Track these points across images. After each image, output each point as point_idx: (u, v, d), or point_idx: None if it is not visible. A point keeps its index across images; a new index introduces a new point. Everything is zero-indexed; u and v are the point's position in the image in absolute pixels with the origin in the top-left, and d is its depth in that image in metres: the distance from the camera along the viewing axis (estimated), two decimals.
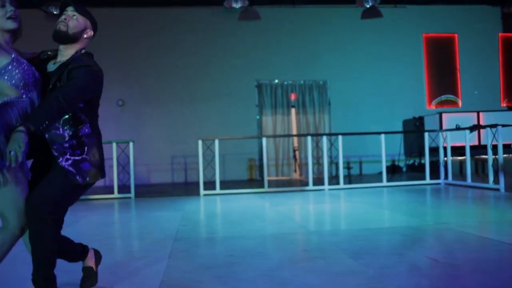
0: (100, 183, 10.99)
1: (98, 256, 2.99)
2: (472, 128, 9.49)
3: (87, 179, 2.62)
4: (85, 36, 2.85)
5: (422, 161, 13.29)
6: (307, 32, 14.43)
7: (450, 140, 9.73)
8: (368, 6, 13.00)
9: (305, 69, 14.25)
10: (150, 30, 13.89)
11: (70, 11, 2.76)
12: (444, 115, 12.87)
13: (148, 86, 13.58)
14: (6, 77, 2.50)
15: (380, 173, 14.09)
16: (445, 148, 9.85)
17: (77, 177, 2.57)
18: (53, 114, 2.45)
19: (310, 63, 14.31)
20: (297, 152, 14.48)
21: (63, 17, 2.74)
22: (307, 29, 14.44)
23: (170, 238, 4.46)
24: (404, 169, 14.49)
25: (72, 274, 3.04)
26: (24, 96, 2.53)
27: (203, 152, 9.26)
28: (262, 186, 9.62)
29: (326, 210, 6.60)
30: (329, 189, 9.26)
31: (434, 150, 11.45)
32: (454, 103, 14.94)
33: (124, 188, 9.54)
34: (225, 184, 9.37)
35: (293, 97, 14.26)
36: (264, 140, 9.76)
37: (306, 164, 14.11)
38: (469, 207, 6.38)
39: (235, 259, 3.54)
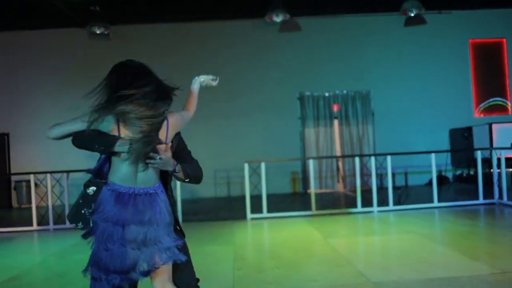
0: None
1: None
2: None
3: None
4: None
5: (471, 172, 12.91)
6: (348, 42, 14.21)
7: (503, 154, 9.33)
8: (412, 15, 12.67)
9: (348, 80, 14.04)
10: (191, 44, 13.94)
11: None
12: (494, 126, 12.43)
13: None
14: None
15: (427, 184, 13.86)
16: (498, 160, 9.36)
17: None
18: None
19: (352, 73, 14.09)
20: (340, 163, 14.28)
21: None
22: (348, 39, 14.23)
23: None
24: (451, 179, 14.10)
25: None
26: None
27: (249, 176, 9.20)
28: (307, 203, 9.47)
29: (382, 246, 6.44)
30: (378, 211, 9.07)
31: (485, 161, 11.05)
32: (503, 108, 14.46)
33: None
34: (269, 199, 9.24)
35: (335, 108, 14.08)
36: (311, 162, 9.61)
37: (351, 176, 13.98)
38: None
39: None
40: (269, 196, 9.38)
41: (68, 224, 8.77)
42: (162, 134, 2.69)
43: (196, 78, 3.19)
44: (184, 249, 2.77)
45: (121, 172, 2.61)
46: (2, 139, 13.82)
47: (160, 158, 2.58)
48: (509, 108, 14.49)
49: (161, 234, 2.60)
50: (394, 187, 9.47)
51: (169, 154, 2.70)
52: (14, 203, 13.60)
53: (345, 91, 14.04)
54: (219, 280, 4.89)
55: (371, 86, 14.10)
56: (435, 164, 9.49)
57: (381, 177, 12.91)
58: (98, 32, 12.51)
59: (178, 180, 2.86)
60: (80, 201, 2.69)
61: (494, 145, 11.59)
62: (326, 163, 13.88)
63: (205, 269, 5.47)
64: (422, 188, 13.26)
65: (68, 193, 9.23)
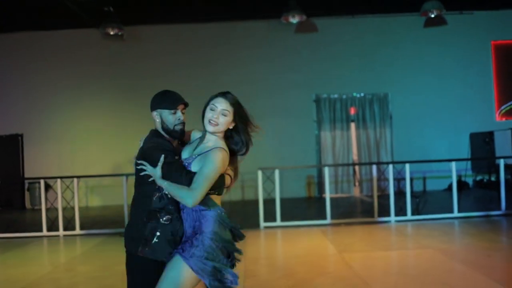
0: None
1: None
2: None
3: None
4: None
5: (492, 178, 12.54)
6: (366, 43, 13.90)
7: None
8: (432, 16, 12.32)
9: (365, 82, 13.73)
10: (204, 45, 13.75)
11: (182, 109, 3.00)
12: None
13: (203, 103, 13.38)
14: None
15: (446, 189, 13.50)
16: None
17: None
18: None
19: (370, 75, 13.77)
20: (356, 167, 13.98)
21: (180, 117, 2.95)
22: (366, 40, 13.91)
23: None
24: (471, 185, 13.72)
25: None
26: None
27: (263, 182, 8.97)
28: (322, 211, 9.20)
29: (399, 264, 6.17)
30: (396, 221, 8.78)
31: (507, 167, 10.68)
32: None
33: None
34: (283, 204, 8.99)
35: (352, 111, 13.78)
36: (326, 169, 9.35)
37: (367, 180, 13.69)
38: None
39: None
40: (283, 201, 9.14)
41: (78, 230, 8.64)
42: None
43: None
44: None
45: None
46: (16, 140, 13.78)
47: None
48: None
49: None
50: (412, 195, 9.13)
51: None
52: (28, 204, 13.55)
53: (362, 94, 13.74)
54: None
55: (389, 89, 13.78)
56: (455, 169, 9.16)
57: (398, 181, 12.60)
58: (112, 33, 12.39)
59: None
60: (158, 234, 2.77)
61: None
62: (342, 166, 13.58)
63: None
64: (441, 194, 12.93)
65: (78, 198, 9.11)
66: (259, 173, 8.84)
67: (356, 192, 13.87)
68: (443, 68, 13.91)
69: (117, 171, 12.80)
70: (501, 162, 9.13)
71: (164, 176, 2.68)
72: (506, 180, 9.98)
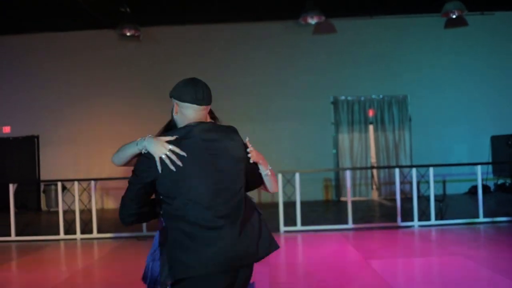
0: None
1: None
2: None
3: None
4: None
5: None
6: (385, 44, 13.68)
7: None
8: (454, 16, 12.08)
9: (384, 84, 13.51)
10: (219, 47, 13.61)
11: None
12: None
13: (218, 105, 13.21)
14: None
15: (466, 193, 13.25)
16: None
17: None
18: None
19: (389, 77, 13.55)
20: (374, 171, 13.75)
21: None
22: (385, 41, 13.70)
23: None
24: (493, 188, 13.44)
25: None
26: None
27: (283, 186, 8.81)
28: (341, 214, 9.03)
29: (427, 271, 5.96)
30: (419, 226, 8.56)
31: None
32: None
33: None
34: (301, 208, 8.78)
35: (371, 113, 13.56)
36: (347, 173, 9.15)
37: (385, 184, 13.47)
38: None
39: None
40: (301, 203, 8.94)
41: (95, 234, 8.53)
42: None
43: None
44: None
45: None
46: (32, 141, 13.73)
47: None
48: None
49: None
50: (435, 199, 8.91)
51: None
52: (43, 206, 13.49)
53: (381, 96, 13.52)
54: None
55: (408, 91, 13.55)
56: (475, 172, 8.94)
57: (418, 184, 12.35)
58: (128, 34, 12.29)
59: None
60: None
61: None
62: (360, 170, 13.36)
63: None
64: (461, 198, 12.68)
65: (95, 201, 8.99)
66: (280, 176, 8.64)
67: (374, 195, 13.64)
68: (463, 69, 13.65)
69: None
70: None
71: None
72: None
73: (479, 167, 8.92)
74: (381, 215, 10.36)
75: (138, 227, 8.70)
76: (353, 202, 11.70)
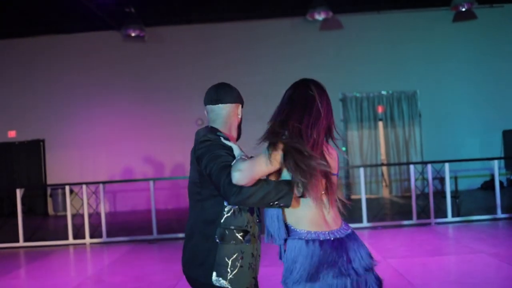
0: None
1: None
2: None
3: None
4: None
5: None
6: (393, 39, 13.46)
7: None
8: (463, 9, 11.90)
9: (393, 79, 13.29)
10: (226, 46, 13.41)
11: None
12: None
13: None
14: None
15: (479, 189, 13.03)
16: None
17: None
18: None
19: (397, 72, 13.33)
20: (384, 168, 13.52)
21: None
22: (393, 36, 13.48)
23: None
24: (505, 184, 13.21)
25: None
26: None
27: None
28: (354, 213, 8.82)
29: (453, 270, 5.76)
30: (436, 223, 8.35)
31: None
32: None
33: None
34: None
35: (380, 109, 13.34)
36: (361, 170, 8.95)
37: (396, 181, 13.26)
38: None
39: None
40: None
41: (105, 238, 8.36)
42: None
43: None
44: None
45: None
46: (38, 145, 13.57)
47: None
48: None
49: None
50: (451, 195, 8.70)
51: None
52: (50, 211, 13.33)
53: (390, 91, 13.29)
54: None
55: (418, 86, 13.31)
56: (487, 168, 8.72)
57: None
58: (133, 34, 12.16)
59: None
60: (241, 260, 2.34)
61: None
62: (371, 167, 13.14)
63: None
64: (474, 193, 12.46)
65: (104, 205, 8.82)
66: None
67: (385, 193, 13.42)
68: (473, 63, 13.41)
69: (139, 176, 12.58)
70: None
71: None
72: None
73: (496, 162, 8.72)
74: (395, 212, 10.14)
75: (149, 230, 8.52)
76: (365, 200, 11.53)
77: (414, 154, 13.18)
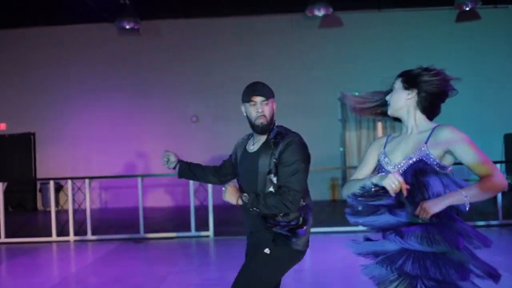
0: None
1: None
2: None
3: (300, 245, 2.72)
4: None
5: None
6: (393, 38, 13.19)
7: None
8: (467, 9, 11.61)
9: (393, 79, 12.95)
10: (224, 41, 13.11)
11: (260, 101, 2.81)
12: None
13: (222, 101, 12.75)
14: None
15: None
16: None
17: (293, 240, 2.68)
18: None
19: (398, 71, 12.90)
20: None
21: (258, 109, 2.78)
22: (393, 35, 13.20)
23: None
24: (507, 189, 12.88)
25: None
26: None
27: None
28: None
29: None
30: None
31: None
32: None
33: (200, 209, 8.58)
34: None
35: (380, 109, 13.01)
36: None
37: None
38: None
39: None
40: None
41: (90, 236, 8.04)
42: None
43: None
44: None
45: None
46: (28, 138, 13.27)
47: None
48: None
49: None
50: None
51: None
52: (40, 206, 13.03)
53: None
54: None
55: None
56: None
57: None
58: (127, 27, 11.88)
59: None
60: None
61: None
62: None
63: None
64: None
65: (90, 201, 8.51)
66: None
67: None
68: (474, 64, 13.10)
69: (131, 172, 12.28)
70: None
71: None
72: None
73: (503, 166, 8.40)
74: None
75: (136, 229, 8.21)
76: None
77: None
